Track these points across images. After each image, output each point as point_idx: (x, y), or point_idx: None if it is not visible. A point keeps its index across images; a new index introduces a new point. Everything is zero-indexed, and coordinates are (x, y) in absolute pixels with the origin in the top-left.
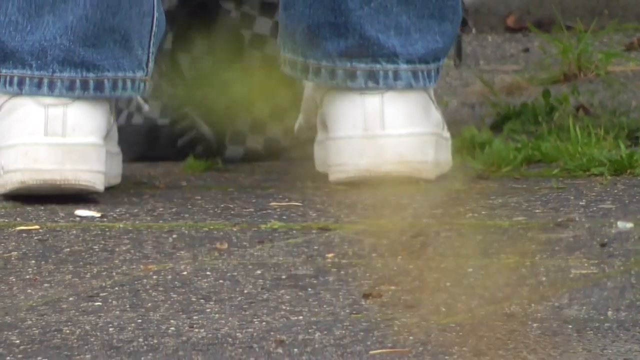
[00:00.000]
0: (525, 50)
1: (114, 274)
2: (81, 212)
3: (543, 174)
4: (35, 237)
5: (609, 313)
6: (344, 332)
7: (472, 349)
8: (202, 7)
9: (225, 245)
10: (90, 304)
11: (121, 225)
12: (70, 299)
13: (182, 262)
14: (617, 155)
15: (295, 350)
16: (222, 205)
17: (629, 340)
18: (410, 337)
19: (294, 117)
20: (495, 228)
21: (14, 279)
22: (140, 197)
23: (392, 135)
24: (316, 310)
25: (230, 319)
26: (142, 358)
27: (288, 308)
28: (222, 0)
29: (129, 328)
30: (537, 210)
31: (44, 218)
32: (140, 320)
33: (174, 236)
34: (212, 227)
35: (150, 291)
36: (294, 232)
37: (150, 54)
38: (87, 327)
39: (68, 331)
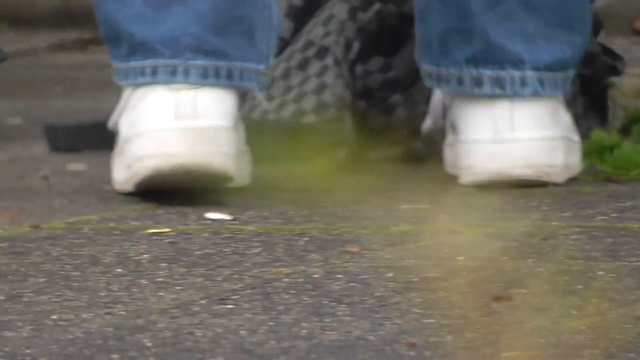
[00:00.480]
0: None
1: (246, 276)
2: (212, 214)
3: None
4: (166, 240)
5: None
6: (475, 334)
7: (602, 352)
8: (395, 29)
9: (356, 248)
10: (221, 306)
11: (252, 228)
12: (202, 301)
13: (313, 265)
14: None
15: (427, 352)
16: (352, 208)
17: None
18: (541, 340)
19: None
20: (625, 231)
21: (145, 282)
22: (270, 200)
23: (522, 139)
24: (447, 312)
25: (361, 321)
26: None
27: (419, 311)
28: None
29: (261, 331)
30: None
31: (175, 221)
32: (272, 323)
33: (305, 239)
34: (342, 230)
35: (282, 294)
36: (425, 235)
37: (271, 49)
38: (219, 330)
39: (200, 334)
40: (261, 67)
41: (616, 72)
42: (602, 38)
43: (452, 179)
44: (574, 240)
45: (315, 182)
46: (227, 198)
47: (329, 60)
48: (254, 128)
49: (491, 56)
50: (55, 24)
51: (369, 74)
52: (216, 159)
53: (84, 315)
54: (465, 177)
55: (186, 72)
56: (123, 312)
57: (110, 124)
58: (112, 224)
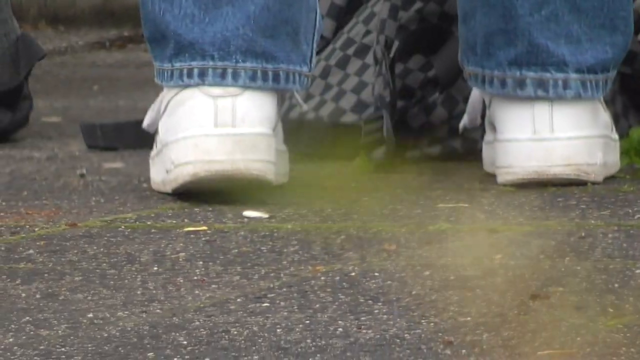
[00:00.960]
0: None
1: (282, 275)
2: (249, 213)
3: None
4: (203, 238)
5: None
6: (511, 333)
7: (639, 350)
8: (436, 28)
9: (394, 246)
10: (258, 305)
11: (289, 226)
12: (238, 300)
13: (350, 263)
14: None
15: (463, 351)
16: (390, 207)
17: None
18: (578, 339)
19: None
20: None
21: (181, 280)
22: (308, 198)
23: (561, 138)
24: (484, 311)
25: (398, 320)
26: (310, 359)
27: (456, 309)
28: (456, 27)
29: (297, 329)
30: None
31: (212, 219)
32: (308, 322)
33: (342, 237)
34: (380, 228)
35: (318, 292)
36: (462, 233)
37: (313, 50)
38: (255, 328)
39: (236, 332)
40: (304, 68)
41: None
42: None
43: (491, 177)
44: (611, 239)
45: (354, 181)
46: (265, 196)
47: (368, 59)
48: (293, 127)
49: (534, 58)
50: (94, 22)
51: (408, 73)
52: (255, 166)
53: (119, 314)
54: (504, 177)
55: (235, 75)
56: (159, 311)
57: (145, 124)
58: (148, 222)
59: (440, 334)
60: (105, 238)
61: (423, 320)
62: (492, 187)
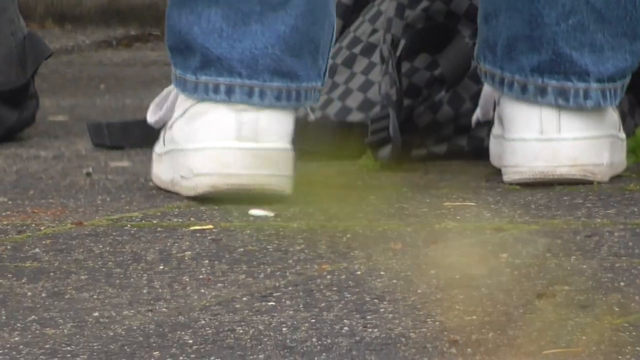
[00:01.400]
0: None
1: (288, 273)
2: (255, 211)
3: None
4: (209, 237)
5: None
6: (517, 332)
7: None
8: (442, 26)
9: (400, 245)
10: (263, 303)
11: (295, 225)
12: (244, 298)
13: (356, 261)
14: None
15: (469, 350)
16: (396, 205)
17: None
18: (584, 337)
19: None
20: None
21: (187, 279)
22: (314, 197)
23: (568, 138)
24: (490, 310)
25: (403, 318)
26: (316, 358)
27: (462, 308)
28: (462, 26)
29: (303, 328)
30: None
31: (218, 218)
32: (313, 320)
33: (348, 236)
34: (386, 227)
35: (324, 291)
36: (468, 232)
37: (327, 64)
38: (261, 327)
39: (241, 331)
40: (319, 83)
41: None
42: None
43: (497, 176)
44: (617, 237)
45: (360, 180)
46: (271, 195)
47: (375, 58)
48: (299, 125)
49: (557, 66)
50: (101, 21)
51: (415, 72)
52: (275, 181)
53: (125, 313)
54: (510, 176)
55: (262, 94)
56: (165, 309)
57: (152, 120)
58: (154, 221)
59: (446, 333)
60: (111, 237)
61: (429, 319)
62: (498, 185)
